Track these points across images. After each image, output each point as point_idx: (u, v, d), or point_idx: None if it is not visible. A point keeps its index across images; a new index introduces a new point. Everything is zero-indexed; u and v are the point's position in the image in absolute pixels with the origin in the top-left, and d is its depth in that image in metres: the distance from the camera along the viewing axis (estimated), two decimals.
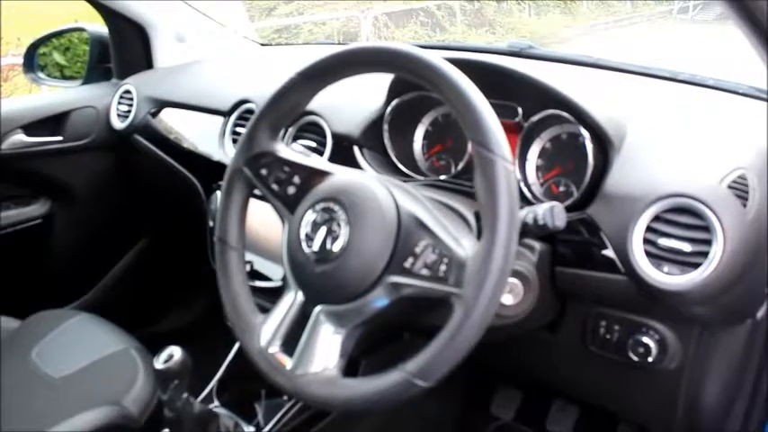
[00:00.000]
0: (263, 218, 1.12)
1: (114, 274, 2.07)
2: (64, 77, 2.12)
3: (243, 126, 1.46)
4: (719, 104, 1.13)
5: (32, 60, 2.05)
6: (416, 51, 0.81)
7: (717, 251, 0.82)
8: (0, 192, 1.82)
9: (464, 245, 0.77)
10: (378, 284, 0.80)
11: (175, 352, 1.07)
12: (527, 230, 0.81)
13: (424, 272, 0.77)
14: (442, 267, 0.76)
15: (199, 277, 1.63)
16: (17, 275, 1.89)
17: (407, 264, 0.78)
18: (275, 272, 1.26)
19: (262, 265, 1.28)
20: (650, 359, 0.95)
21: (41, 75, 2.06)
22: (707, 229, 0.83)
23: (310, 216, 0.86)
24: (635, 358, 0.96)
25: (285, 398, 1.31)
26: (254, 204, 0.98)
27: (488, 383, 1.58)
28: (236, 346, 1.37)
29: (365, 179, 0.87)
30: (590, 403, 1.21)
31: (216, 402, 1.32)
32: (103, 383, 1.30)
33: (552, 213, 0.81)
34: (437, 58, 0.80)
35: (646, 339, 0.95)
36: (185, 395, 1.10)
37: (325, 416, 1.35)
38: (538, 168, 1.07)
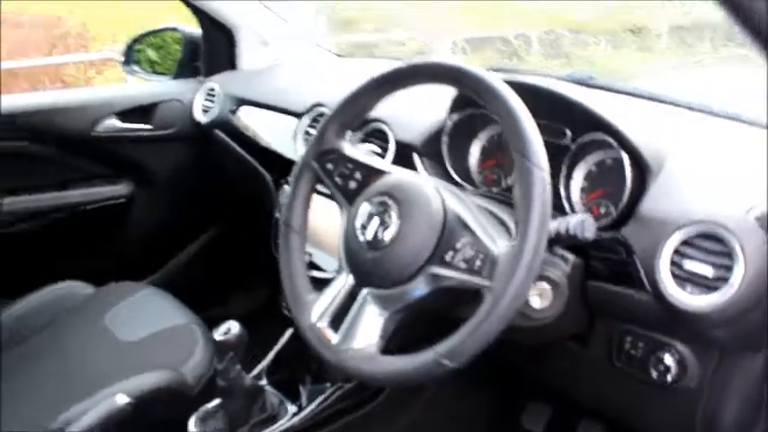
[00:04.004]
0: (323, 214, 1.22)
1: (184, 257, 2.17)
2: (155, 72, 2.27)
3: (315, 127, 1.52)
4: (753, 139, 1.14)
5: (131, 54, 2.19)
6: (475, 69, 0.90)
7: (737, 276, 0.85)
8: (92, 170, 1.96)
9: (499, 244, 0.85)
10: (420, 273, 0.89)
11: (233, 326, 1.16)
12: (559, 239, 0.89)
13: (462, 265, 0.86)
14: (478, 262, 0.84)
15: (263, 267, 1.70)
16: (98, 247, 2.03)
17: (448, 257, 0.87)
18: (330, 264, 1.34)
19: (319, 257, 1.37)
20: (669, 378, 0.98)
21: (136, 68, 2.20)
22: (729, 255, 0.86)
23: (366, 208, 0.95)
24: (655, 375, 0.99)
25: (328, 384, 1.38)
26: (316, 200, 1.07)
27: (519, 398, 1.62)
28: (289, 332, 1.46)
29: (418, 179, 0.97)
30: (615, 421, 1.25)
31: (265, 381, 1.40)
32: (165, 351, 1.39)
33: (583, 225, 0.89)
34: (492, 76, 0.89)
35: (666, 357, 0.98)
36: (238, 367, 1.19)
37: (362, 407, 1.42)
38: (582, 189, 1.12)
